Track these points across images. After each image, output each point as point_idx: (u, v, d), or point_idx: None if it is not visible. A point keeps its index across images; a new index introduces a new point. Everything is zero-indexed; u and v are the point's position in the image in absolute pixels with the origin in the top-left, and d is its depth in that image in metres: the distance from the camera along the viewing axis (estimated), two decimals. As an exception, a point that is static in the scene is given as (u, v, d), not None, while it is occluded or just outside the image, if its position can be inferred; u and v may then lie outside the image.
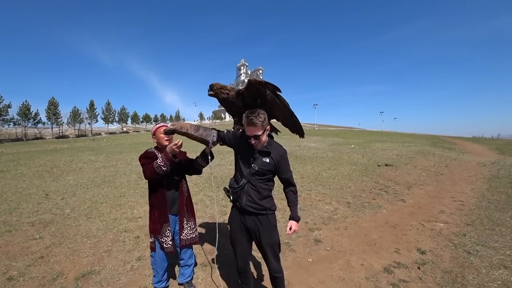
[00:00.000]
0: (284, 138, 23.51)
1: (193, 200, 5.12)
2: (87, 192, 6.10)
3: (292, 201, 2.08)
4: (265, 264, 2.24)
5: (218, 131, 2.22)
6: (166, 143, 2.27)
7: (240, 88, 2.10)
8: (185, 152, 2.54)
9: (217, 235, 2.34)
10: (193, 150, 12.55)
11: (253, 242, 2.15)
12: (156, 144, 2.40)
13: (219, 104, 2.34)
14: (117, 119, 60.17)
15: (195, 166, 2.41)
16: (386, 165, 9.45)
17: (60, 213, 4.56)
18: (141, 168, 2.25)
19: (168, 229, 2.29)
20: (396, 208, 5.12)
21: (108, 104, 57.86)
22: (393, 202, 5.46)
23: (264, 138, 1.96)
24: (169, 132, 2.17)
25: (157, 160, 2.12)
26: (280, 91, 1.95)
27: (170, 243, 2.29)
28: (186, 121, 2.16)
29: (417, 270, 2.93)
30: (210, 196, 5.48)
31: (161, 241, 2.27)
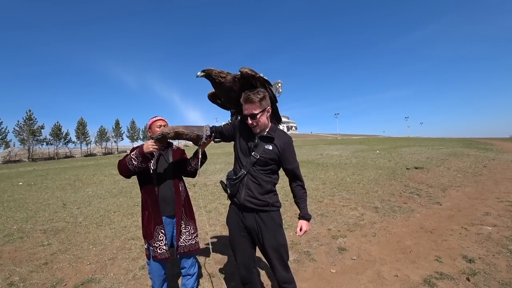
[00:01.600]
0: (306, 148, 23.03)
1: (207, 208, 4.95)
2: (103, 202, 6.06)
3: (300, 197, 1.80)
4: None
5: (214, 126, 1.98)
6: None
7: (241, 69, 1.87)
8: (182, 151, 2.31)
9: (210, 246, 2.05)
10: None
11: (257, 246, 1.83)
12: (150, 135, 2.18)
13: (210, 92, 2.17)
14: (141, 137, 62.54)
15: (187, 167, 2.18)
16: (416, 168, 8.69)
17: (72, 221, 4.49)
18: None
19: (162, 232, 1.99)
20: (432, 211, 4.52)
21: (133, 122, 60.43)
22: (428, 206, 4.85)
23: (263, 119, 1.70)
24: (160, 140, 1.88)
25: (131, 153, 1.92)
26: (270, 85, 1.86)
27: (165, 248, 1.99)
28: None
29: (466, 282, 2.43)
30: (225, 204, 5.20)
31: (154, 246, 1.98)
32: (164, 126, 2.15)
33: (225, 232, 3.84)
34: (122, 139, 57.65)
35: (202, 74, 1.94)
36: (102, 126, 53.41)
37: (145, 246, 2.07)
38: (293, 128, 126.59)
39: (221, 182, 1.89)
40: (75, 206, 5.74)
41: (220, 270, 2.75)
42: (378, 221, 4.15)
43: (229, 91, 1.97)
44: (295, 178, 1.81)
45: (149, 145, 1.88)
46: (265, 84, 1.87)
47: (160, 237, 1.99)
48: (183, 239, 2.08)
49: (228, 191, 1.79)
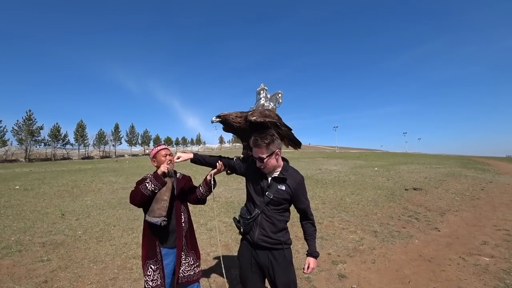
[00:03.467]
0: (304, 161, 23.06)
1: (207, 226, 4.95)
2: (102, 213, 6.03)
3: (310, 234, 1.86)
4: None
5: (227, 158, 2.04)
6: (167, 165, 2.08)
7: (248, 115, 1.91)
8: (188, 177, 2.34)
9: (223, 271, 2.07)
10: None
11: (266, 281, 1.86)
12: (156, 165, 2.18)
13: (226, 139, 2.18)
14: (140, 142, 62.34)
15: (197, 195, 2.18)
16: (415, 189, 8.76)
17: (72, 235, 4.47)
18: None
19: (151, 268, 2.02)
20: (430, 238, 4.56)
21: (132, 127, 60.30)
22: (426, 231, 4.89)
23: (272, 162, 1.75)
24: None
25: (145, 181, 1.95)
26: (280, 123, 1.87)
27: (151, 283, 2.00)
28: (232, 112, 1.96)
29: (464, 318, 2.45)
30: (226, 222, 5.21)
31: (145, 279, 2.01)
32: (169, 155, 2.18)
33: (226, 253, 3.85)
34: (121, 143, 57.43)
35: (218, 120, 1.97)
36: (101, 129, 53.28)
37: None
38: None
39: (234, 219, 1.93)
40: (73, 216, 5.72)
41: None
42: (377, 246, 4.17)
43: (244, 132, 1.98)
44: (306, 216, 1.87)
45: (165, 165, 1.95)
46: (276, 124, 1.88)
47: (149, 272, 2.01)
48: (182, 270, 2.09)
49: (242, 229, 1.82)
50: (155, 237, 2.05)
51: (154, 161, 2.19)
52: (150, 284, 1.99)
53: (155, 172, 1.99)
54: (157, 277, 2.02)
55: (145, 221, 2.06)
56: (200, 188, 2.17)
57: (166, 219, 1.99)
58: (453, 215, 6.02)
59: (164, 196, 2.02)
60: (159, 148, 2.20)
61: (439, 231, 4.90)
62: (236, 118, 1.92)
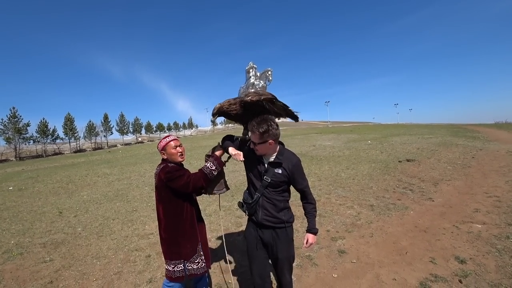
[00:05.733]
0: (298, 138, 23.13)
1: (206, 212, 4.99)
2: (100, 208, 6.02)
3: (309, 212, 2.00)
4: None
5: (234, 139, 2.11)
6: (180, 158, 2.12)
7: (243, 97, 1.93)
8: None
9: (226, 255, 2.14)
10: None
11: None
12: (165, 157, 2.12)
13: (218, 120, 2.17)
14: (131, 130, 61.51)
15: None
16: (408, 161, 8.92)
17: (71, 232, 4.46)
18: (173, 182, 1.95)
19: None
20: (425, 208, 4.70)
21: (122, 116, 59.23)
22: (420, 202, 5.03)
23: (263, 149, 1.84)
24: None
25: (207, 165, 2.01)
26: (275, 99, 1.88)
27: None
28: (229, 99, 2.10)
29: (458, 284, 2.57)
30: (224, 206, 5.25)
31: (196, 262, 2.08)
32: (180, 146, 2.13)
33: (228, 238, 3.90)
34: (112, 133, 56.60)
35: (216, 115, 2.02)
36: (90, 121, 52.23)
37: (172, 268, 2.03)
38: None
39: (239, 203, 2.05)
40: (71, 213, 5.69)
41: (228, 279, 2.81)
42: (374, 220, 4.28)
43: (242, 116, 2.03)
44: (304, 196, 2.00)
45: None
46: (272, 100, 1.87)
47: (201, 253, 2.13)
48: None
49: (247, 212, 1.98)
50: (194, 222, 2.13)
51: (163, 154, 2.12)
52: (197, 266, 2.08)
53: (218, 159, 2.05)
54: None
55: (186, 206, 2.08)
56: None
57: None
58: (445, 184, 6.19)
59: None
60: (168, 139, 2.11)
61: (433, 201, 5.05)
62: (230, 106, 1.94)
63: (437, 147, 11.96)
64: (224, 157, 2.12)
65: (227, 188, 2.24)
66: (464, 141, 14.58)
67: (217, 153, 2.08)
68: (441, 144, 13.14)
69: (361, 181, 6.72)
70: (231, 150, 1.97)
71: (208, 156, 2.12)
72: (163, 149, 2.10)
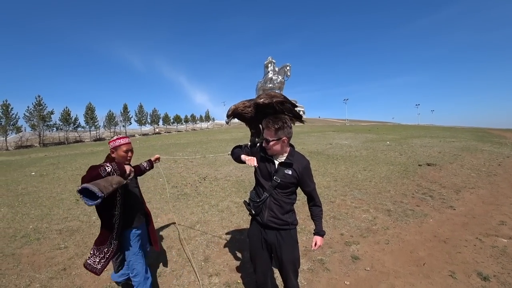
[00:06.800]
0: (314, 135, 22.75)
1: (218, 207, 4.98)
2: (115, 197, 6.13)
3: (316, 215, 2.01)
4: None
5: (243, 147, 2.18)
6: (127, 163, 2.22)
7: (256, 100, 2.00)
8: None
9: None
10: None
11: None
12: (114, 157, 2.20)
13: (229, 120, 2.16)
14: (149, 121, 62.83)
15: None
16: (428, 165, 8.54)
17: (86, 220, 4.57)
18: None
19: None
20: (445, 217, 4.46)
21: (141, 106, 60.51)
22: (441, 210, 4.78)
23: (276, 147, 1.85)
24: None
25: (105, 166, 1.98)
26: (285, 101, 1.94)
27: None
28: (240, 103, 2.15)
29: (482, 302, 2.40)
30: (237, 203, 5.21)
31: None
32: (131, 151, 2.25)
33: (238, 235, 3.86)
34: (130, 123, 58.05)
35: (231, 117, 2.04)
36: (110, 111, 53.75)
37: None
38: (301, 112, 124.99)
39: (245, 202, 2.07)
40: (88, 201, 5.84)
41: (236, 279, 2.77)
42: (391, 226, 4.11)
43: (253, 120, 2.08)
44: (312, 198, 2.01)
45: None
46: (283, 102, 1.94)
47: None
48: None
49: (252, 212, 1.97)
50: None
51: (113, 152, 2.18)
52: None
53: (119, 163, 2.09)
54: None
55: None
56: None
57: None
58: (468, 192, 5.86)
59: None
60: (121, 142, 2.18)
61: (455, 209, 4.78)
62: (245, 108, 1.98)
63: (460, 152, 11.39)
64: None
65: (102, 193, 1.76)
66: (489, 146, 13.80)
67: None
68: (464, 148, 12.50)
69: (378, 184, 6.49)
70: (243, 157, 2.02)
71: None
72: (114, 149, 2.16)
